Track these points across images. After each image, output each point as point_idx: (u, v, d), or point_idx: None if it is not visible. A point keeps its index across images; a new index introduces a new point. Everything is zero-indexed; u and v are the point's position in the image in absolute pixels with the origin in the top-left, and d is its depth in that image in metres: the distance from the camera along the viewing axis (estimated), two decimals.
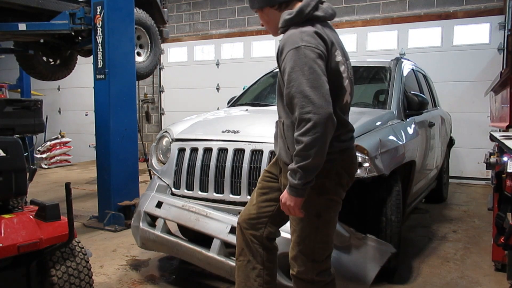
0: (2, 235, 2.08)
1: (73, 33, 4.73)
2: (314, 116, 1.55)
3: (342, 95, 1.77)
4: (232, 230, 2.49)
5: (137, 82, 6.99)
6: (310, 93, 1.56)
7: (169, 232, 2.89)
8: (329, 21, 1.80)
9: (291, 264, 1.91)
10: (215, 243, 2.56)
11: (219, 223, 2.61)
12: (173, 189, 3.02)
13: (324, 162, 1.64)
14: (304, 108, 1.56)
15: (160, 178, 3.13)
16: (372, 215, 2.86)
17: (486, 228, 4.30)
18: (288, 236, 2.00)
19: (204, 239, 3.94)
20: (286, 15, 1.75)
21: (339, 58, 1.73)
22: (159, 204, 2.95)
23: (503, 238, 2.35)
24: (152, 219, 2.99)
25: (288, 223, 1.99)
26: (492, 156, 3.06)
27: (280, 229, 2.12)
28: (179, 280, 3.10)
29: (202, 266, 2.73)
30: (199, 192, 2.89)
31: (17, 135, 3.18)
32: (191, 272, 3.22)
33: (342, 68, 1.74)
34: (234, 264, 2.22)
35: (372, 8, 7.53)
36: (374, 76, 4.17)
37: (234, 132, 2.91)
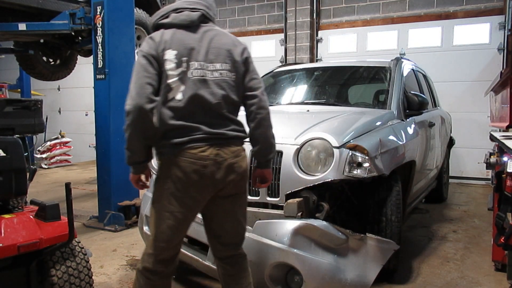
0: (2, 235, 2.08)
1: (73, 33, 4.72)
2: (127, 106, 1.85)
3: (168, 92, 1.89)
4: None
5: None
6: (131, 87, 1.87)
7: None
8: (207, 25, 2.01)
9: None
10: (211, 252, 2.54)
11: None
12: None
13: (157, 154, 1.96)
14: (127, 100, 1.86)
15: None
16: (372, 215, 2.86)
17: (486, 228, 4.30)
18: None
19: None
20: None
21: (168, 57, 1.88)
22: None
23: (503, 238, 2.36)
24: None
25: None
26: (492, 156, 3.06)
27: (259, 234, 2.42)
28: (179, 280, 3.10)
29: (202, 271, 2.74)
30: None
31: (17, 135, 3.18)
32: (191, 272, 3.21)
33: (169, 66, 1.88)
34: None
35: (372, 8, 7.53)
36: (374, 76, 4.17)
37: None
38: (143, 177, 2.06)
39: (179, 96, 1.88)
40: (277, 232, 2.49)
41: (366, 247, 2.56)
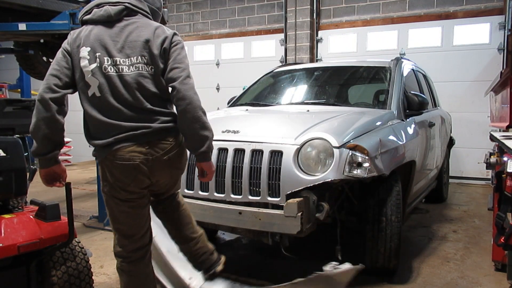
0: (2, 235, 2.08)
1: None
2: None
3: (86, 88, 1.92)
4: None
5: None
6: None
7: None
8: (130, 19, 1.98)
9: None
10: None
11: None
12: None
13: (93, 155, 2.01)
14: None
15: None
16: (372, 215, 2.86)
17: (486, 228, 4.30)
18: None
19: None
20: None
21: (82, 54, 1.91)
22: None
23: (503, 238, 2.35)
24: None
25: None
26: (492, 156, 3.06)
27: None
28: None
29: None
30: (200, 192, 2.89)
31: (17, 135, 3.18)
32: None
33: (83, 63, 1.90)
34: None
35: (372, 8, 7.53)
36: (374, 76, 4.17)
37: (234, 132, 2.91)
38: (55, 174, 1.99)
39: (97, 92, 1.89)
40: None
41: (322, 282, 2.30)
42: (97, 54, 1.90)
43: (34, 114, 1.90)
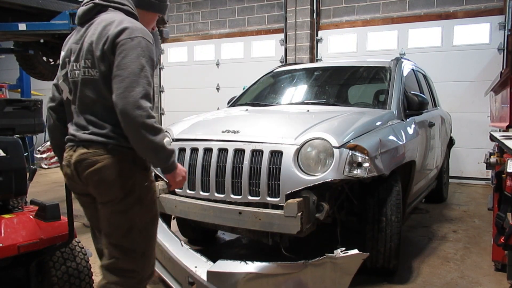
0: (2, 235, 2.08)
1: None
2: None
3: (61, 94, 1.90)
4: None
5: None
6: None
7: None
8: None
9: None
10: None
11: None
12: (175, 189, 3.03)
13: None
14: None
15: (163, 178, 3.13)
16: (372, 215, 2.86)
17: (486, 228, 4.30)
18: None
19: (203, 239, 3.95)
20: None
21: (60, 59, 1.88)
22: None
23: (503, 238, 2.36)
24: None
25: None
26: (492, 156, 3.06)
27: None
28: None
29: None
30: (201, 192, 2.89)
31: (17, 135, 3.18)
32: None
33: (59, 68, 1.88)
34: None
35: (372, 8, 7.53)
36: (374, 76, 4.17)
37: (234, 132, 2.91)
38: None
39: (69, 96, 1.86)
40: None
41: (330, 266, 2.31)
42: (67, 59, 1.85)
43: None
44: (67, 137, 1.84)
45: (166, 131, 3.30)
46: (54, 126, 1.95)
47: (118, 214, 1.77)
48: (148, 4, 1.90)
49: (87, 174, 1.74)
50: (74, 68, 1.79)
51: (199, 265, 2.43)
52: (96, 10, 1.81)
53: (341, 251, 2.26)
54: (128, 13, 1.81)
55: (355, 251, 2.25)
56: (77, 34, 1.85)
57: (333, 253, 2.25)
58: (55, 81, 1.94)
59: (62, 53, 1.89)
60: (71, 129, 1.82)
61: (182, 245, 2.64)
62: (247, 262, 2.31)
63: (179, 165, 1.86)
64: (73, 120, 1.83)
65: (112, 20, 1.73)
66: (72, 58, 1.81)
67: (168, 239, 2.71)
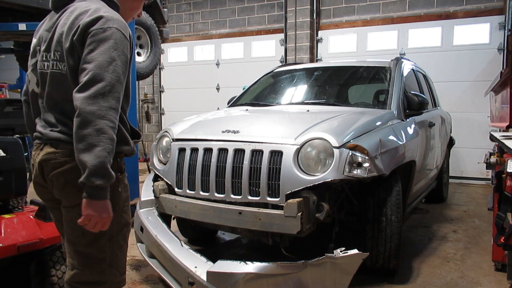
0: (2, 235, 2.08)
1: None
2: None
3: (28, 84, 1.76)
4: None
5: (137, 82, 6.99)
6: None
7: (152, 256, 2.86)
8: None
9: None
10: None
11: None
12: (176, 189, 3.03)
13: None
14: None
15: (163, 178, 3.13)
16: (372, 215, 2.86)
17: (486, 228, 4.30)
18: None
19: (203, 239, 3.95)
20: None
21: (31, 46, 1.70)
22: (141, 229, 2.95)
23: (503, 238, 2.35)
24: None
25: None
26: (492, 156, 3.06)
27: None
28: None
29: None
30: (201, 192, 2.89)
31: (17, 135, 3.19)
32: None
33: (29, 57, 1.71)
34: None
35: (372, 8, 7.53)
36: (374, 76, 4.17)
37: (234, 132, 2.91)
38: None
39: (36, 89, 1.69)
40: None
41: (330, 266, 2.31)
42: (37, 47, 1.67)
43: None
44: (34, 134, 1.69)
45: (166, 131, 3.31)
46: (30, 118, 1.79)
47: (71, 220, 1.60)
48: None
49: (53, 175, 1.60)
50: (44, 58, 1.63)
51: (199, 265, 2.43)
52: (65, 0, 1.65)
53: (341, 251, 2.26)
54: (108, 1, 1.64)
55: (355, 251, 2.25)
56: (50, 20, 1.68)
57: (333, 253, 2.25)
58: (29, 72, 1.74)
59: (34, 40, 1.70)
60: (39, 125, 1.67)
61: (182, 245, 2.64)
62: (247, 262, 2.30)
63: (108, 202, 1.53)
64: (41, 116, 1.68)
65: (87, 9, 1.56)
66: (43, 48, 1.64)
67: (168, 239, 2.71)
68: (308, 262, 2.29)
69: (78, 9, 1.58)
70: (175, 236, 2.78)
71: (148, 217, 2.97)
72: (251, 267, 2.28)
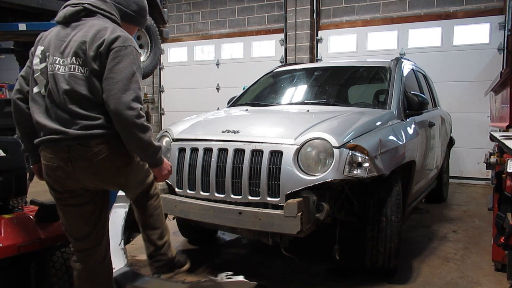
0: (2, 235, 2.08)
1: None
2: None
3: (33, 86, 1.93)
4: None
5: None
6: None
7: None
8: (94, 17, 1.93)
9: None
10: None
11: None
12: (176, 189, 3.02)
13: None
14: None
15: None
16: (372, 215, 2.86)
17: (486, 228, 4.30)
18: None
19: (203, 239, 3.95)
20: None
21: (37, 53, 1.94)
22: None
23: (503, 238, 2.35)
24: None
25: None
26: (492, 156, 3.06)
27: None
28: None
29: None
30: (201, 192, 2.89)
31: (17, 135, 3.18)
32: (190, 272, 3.22)
33: (35, 61, 1.92)
34: None
35: (372, 8, 7.53)
36: (374, 76, 4.17)
37: (234, 132, 2.91)
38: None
39: (43, 91, 1.89)
40: None
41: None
42: (47, 53, 1.90)
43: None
44: (48, 134, 1.85)
45: (166, 131, 3.30)
46: (26, 116, 1.95)
47: (133, 173, 2.00)
48: (131, 18, 2.09)
49: (99, 161, 1.85)
50: (57, 62, 1.86)
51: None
52: (83, 14, 1.92)
53: (226, 276, 2.22)
54: (115, 22, 1.96)
55: (241, 277, 2.21)
56: (60, 32, 1.92)
57: (217, 276, 2.22)
58: (22, 73, 1.99)
59: (40, 47, 1.93)
60: (53, 124, 1.84)
61: (121, 246, 2.61)
62: (139, 272, 2.34)
63: (165, 160, 2.03)
64: (51, 115, 1.86)
65: (104, 26, 1.87)
66: (55, 53, 1.88)
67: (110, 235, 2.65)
68: (190, 282, 2.29)
69: (97, 26, 1.87)
70: (122, 235, 2.73)
71: (114, 211, 2.92)
72: (139, 280, 2.28)
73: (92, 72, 1.84)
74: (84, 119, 1.83)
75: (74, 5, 1.94)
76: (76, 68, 1.84)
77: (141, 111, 1.83)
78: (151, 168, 2.03)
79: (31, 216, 2.28)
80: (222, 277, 2.21)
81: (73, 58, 1.84)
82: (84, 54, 1.84)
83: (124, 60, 1.82)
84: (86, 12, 1.92)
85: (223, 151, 2.84)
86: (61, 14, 1.95)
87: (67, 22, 1.93)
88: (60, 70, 1.85)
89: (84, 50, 1.84)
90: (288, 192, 2.62)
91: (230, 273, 2.24)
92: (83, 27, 1.89)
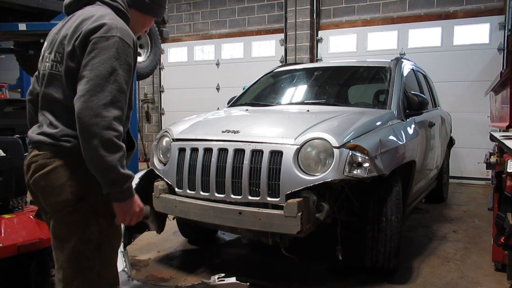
0: (2, 235, 2.08)
1: None
2: None
3: (36, 85, 1.73)
4: None
5: (137, 82, 6.99)
6: None
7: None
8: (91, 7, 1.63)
9: None
10: None
11: None
12: (176, 189, 3.02)
13: None
14: None
15: (163, 178, 3.13)
16: (372, 215, 2.86)
17: (486, 228, 4.30)
18: None
19: (203, 239, 3.95)
20: None
21: (42, 50, 1.70)
22: None
23: (503, 238, 2.35)
24: None
25: None
26: (492, 156, 3.06)
27: None
28: (179, 280, 3.10)
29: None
30: (201, 192, 2.89)
31: (17, 135, 3.19)
32: (190, 272, 3.22)
33: (39, 59, 1.71)
34: None
35: (372, 8, 7.53)
36: (374, 76, 4.17)
37: (234, 132, 2.91)
38: None
39: (36, 87, 1.71)
40: None
41: None
42: (48, 50, 1.69)
43: None
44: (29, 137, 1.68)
45: (166, 131, 3.30)
46: (34, 117, 1.74)
47: (60, 229, 1.56)
48: (144, 6, 1.70)
49: (35, 179, 1.56)
50: (46, 60, 1.64)
51: None
52: (83, 2, 1.64)
53: (218, 278, 2.19)
54: (118, 11, 1.62)
55: (233, 279, 2.18)
56: (61, 23, 1.70)
57: (210, 279, 2.19)
58: (36, 72, 1.75)
59: (45, 44, 1.72)
60: (32, 128, 1.68)
61: None
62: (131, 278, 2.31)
63: (136, 197, 1.57)
64: (38, 117, 1.67)
65: (92, 14, 1.55)
66: (46, 50, 1.66)
67: None
68: (180, 286, 2.26)
69: (84, 14, 1.57)
70: (122, 238, 2.71)
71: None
72: (131, 285, 2.27)
73: (66, 71, 1.53)
74: (49, 126, 1.56)
75: None
76: (55, 66, 1.58)
77: (115, 122, 1.43)
78: (113, 200, 1.51)
79: (31, 216, 2.28)
80: (215, 279, 2.20)
81: (55, 54, 1.59)
82: (63, 49, 1.55)
83: (102, 53, 1.46)
84: (86, 0, 1.64)
85: (223, 151, 2.84)
86: (64, 3, 1.70)
87: (69, 12, 1.67)
88: (45, 68, 1.62)
89: (63, 45, 1.55)
90: (288, 192, 2.62)
91: (222, 274, 2.23)
92: (73, 17, 1.61)
